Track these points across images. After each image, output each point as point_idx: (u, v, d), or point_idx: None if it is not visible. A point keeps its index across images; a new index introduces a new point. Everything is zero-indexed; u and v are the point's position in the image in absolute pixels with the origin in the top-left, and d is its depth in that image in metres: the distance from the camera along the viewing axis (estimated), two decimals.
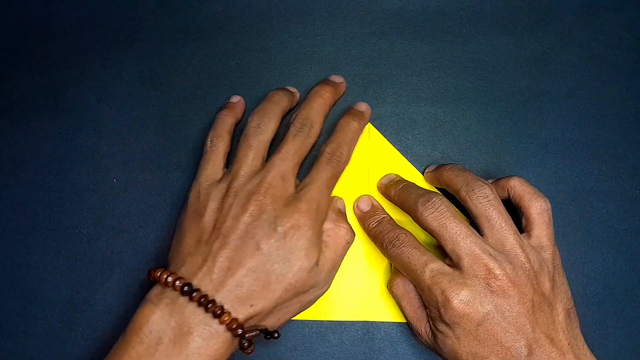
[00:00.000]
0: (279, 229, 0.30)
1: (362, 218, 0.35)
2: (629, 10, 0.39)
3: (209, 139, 0.34)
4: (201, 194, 0.32)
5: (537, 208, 0.32)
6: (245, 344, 0.29)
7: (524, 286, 0.29)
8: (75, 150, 0.38)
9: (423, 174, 0.37)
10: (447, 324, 0.30)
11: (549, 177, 0.37)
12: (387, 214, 0.35)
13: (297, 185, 0.32)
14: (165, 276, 0.29)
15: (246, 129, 0.33)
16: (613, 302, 0.35)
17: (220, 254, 0.29)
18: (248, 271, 0.29)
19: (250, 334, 0.29)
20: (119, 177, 0.37)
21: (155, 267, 0.30)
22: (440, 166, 0.35)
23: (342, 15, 0.39)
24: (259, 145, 0.33)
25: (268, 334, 0.30)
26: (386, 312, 0.35)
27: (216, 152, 0.34)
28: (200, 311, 0.28)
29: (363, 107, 0.37)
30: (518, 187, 0.32)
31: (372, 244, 0.35)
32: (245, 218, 0.30)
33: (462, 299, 0.29)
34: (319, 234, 0.31)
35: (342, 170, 0.34)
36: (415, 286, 0.33)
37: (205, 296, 0.28)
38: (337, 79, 0.37)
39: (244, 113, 0.37)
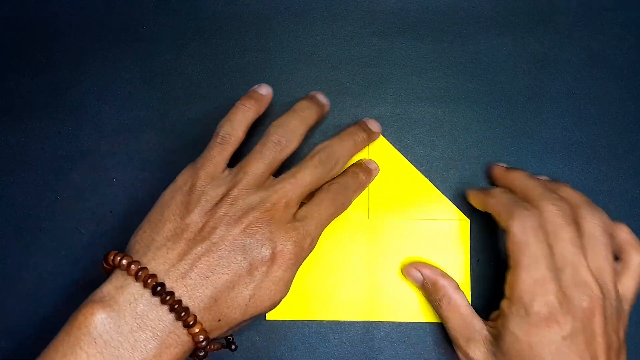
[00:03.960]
0: (269, 252, 0.28)
1: (483, 191, 0.34)
2: (629, 10, 0.39)
3: (220, 132, 0.31)
4: (196, 189, 0.29)
5: (639, 260, 0.31)
6: (202, 354, 0.28)
7: (609, 323, 0.28)
8: (75, 150, 0.38)
9: (491, 173, 0.36)
10: (526, 326, 0.28)
11: (549, 177, 0.37)
12: None
13: (297, 210, 0.31)
14: (135, 268, 0.26)
15: (265, 139, 0.31)
16: None
17: (201, 259, 0.27)
18: (227, 287, 0.27)
19: (212, 346, 0.28)
20: (118, 177, 0.37)
21: (116, 251, 0.27)
22: (530, 176, 0.33)
23: (342, 15, 0.39)
24: (274, 161, 0.31)
25: (227, 346, 0.30)
26: (386, 312, 0.35)
27: (223, 150, 0.31)
28: (169, 317, 0.26)
29: (373, 165, 0.36)
30: (626, 234, 0.31)
31: (372, 245, 0.35)
32: (238, 230, 0.28)
33: (559, 304, 0.28)
34: (297, 268, 0.30)
35: (341, 212, 0.33)
36: (464, 300, 0.32)
37: (179, 302, 0.26)
38: (376, 127, 0.36)
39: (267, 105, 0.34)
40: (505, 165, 0.36)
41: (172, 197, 0.30)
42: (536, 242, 0.29)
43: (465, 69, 0.38)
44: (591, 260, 0.29)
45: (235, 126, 0.32)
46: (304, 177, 0.30)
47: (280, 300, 0.30)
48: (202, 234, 0.28)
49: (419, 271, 0.34)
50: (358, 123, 0.36)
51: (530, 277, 0.28)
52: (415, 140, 0.37)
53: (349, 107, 0.38)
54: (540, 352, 0.27)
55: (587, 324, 0.28)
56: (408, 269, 0.34)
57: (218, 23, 0.39)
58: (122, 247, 0.36)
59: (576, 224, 0.30)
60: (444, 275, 0.33)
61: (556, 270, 0.29)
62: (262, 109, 0.34)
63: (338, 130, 0.37)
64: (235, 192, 0.29)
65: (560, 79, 0.38)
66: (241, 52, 0.39)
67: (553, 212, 0.30)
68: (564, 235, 0.29)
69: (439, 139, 0.37)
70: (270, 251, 0.28)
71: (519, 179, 0.33)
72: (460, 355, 0.31)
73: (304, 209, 0.31)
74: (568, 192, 0.32)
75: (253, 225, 0.28)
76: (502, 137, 0.37)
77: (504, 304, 0.30)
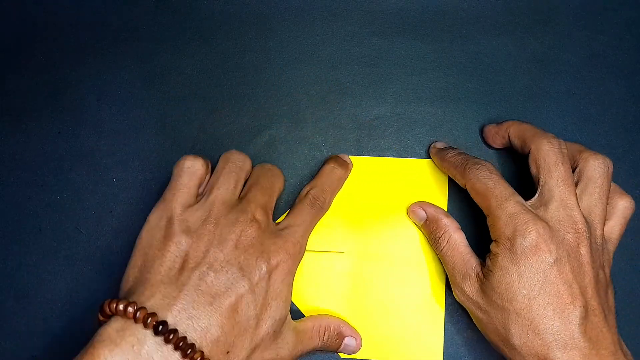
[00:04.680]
0: (265, 266, 0.28)
1: (439, 151, 0.35)
2: (629, 10, 0.39)
3: (184, 161, 0.30)
4: (174, 220, 0.29)
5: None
6: None
7: (595, 257, 0.29)
8: (75, 150, 0.38)
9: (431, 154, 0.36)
10: (514, 257, 0.28)
11: None
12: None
13: (275, 223, 0.32)
14: (132, 310, 0.24)
15: (225, 159, 0.32)
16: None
17: (201, 286, 0.26)
18: (232, 310, 0.26)
19: None
20: (118, 177, 0.37)
21: (110, 299, 0.26)
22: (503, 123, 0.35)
23: (342, 15, 0.39)
24: (240, 174, 0.31)
25: None
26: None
27: (192, 177, 0.30)
28: (175, 356, 0.24)
29: (347, 158, 0.36)
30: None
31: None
32: (230, 248, 0.28)
33: (543, 232, 0.28)
34: (292, 279, 0.30)
35: (323, 214, 0.34)
36: (464, 239, 0.32)
37: (184, 339, 0.24)
38: (347, 157, 0.37)
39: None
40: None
41: (152, 235, 0.29)
42: (496, 185, 0.30)
43: (465, 69, 0.38)
44: (583, 199, 0.30)
45: (199, 158, 0.31)
46: (264, 184, 0.32)
47: (285, 316, 0.29)
48: (195, 260, 0.27)
49: (424, 210, 0.34)
50: (332, 158, 0.36)
51: (504, 213, 0.29)
52: (415, 140, 0.37)
53: (349, 107, 0.38)
54: (528, 281, 0.28)
55: (572, 254, 0.28)
56: (413, 208, 0.35)
57: (218, 23, 0.39)
58: (121, 247, 0.36)
59: (574, 165, 0.31)
60: (447, 215, 0.34)
61: (541, 204, 0.29)
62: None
63: (337, 131, 0.37)
64: (215, 212, 0.29)
65: (560, 79, 0.38)
66: (241, 52, 0.39)
67: (545, 150, 0.30)
68: (554, 173, 0.30)
69: (439, 139, 0.37)
70: (266, 264, 0.28)
71: (513, 127, 0.34)
72: (456, 291, 0.32)
73: (287, 219, 0.32)
74: (512, 129, 0.34)
75: (243, 240, 0.28)
76: None
77: (492, 245, 0.30)
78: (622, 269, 0.36)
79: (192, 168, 0.31)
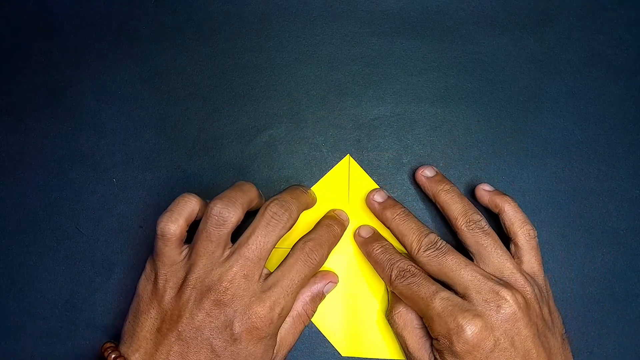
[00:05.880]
0: (235, 331, 0.29)
1: (365, 243, 0.34)
2: (629, 10, 0.39)
3: (158, 229, 0.30)
4: (159, 279, 0.30)
5: (527, 235, 0.32)
6: None
7: (529, 310, 0.29)
8: (75, 150, 0.38)
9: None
10: (457, 354, 0.29)
11: (549, 177, 0.37)
12: (389, 242, 0.34)
13: (263, 277, 0.30)
14: None
15: (207, 216, 0.30)
16: (613, 302, 0.35)
17: (173, 348, 0.29)
18: None
19: None
20: (118, 177, 0.37)
21: (110, 342, 0.30)
22: (435, 179, 0.35)
23: (342, 15, 0.39)
24: (220, 238, 0.30)
25: None
26: (384, 349, 0.35)
27: (166, 243, 0.30)
28: None
29: (344, 216, 0.35)
30: (511, 212, 0.33)
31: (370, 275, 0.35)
32: (201, 316, 0.29)
33: (475, 327, 0.28)
34: (275, 335, 0.30)
35: (316, 271, 0.32)
36: (417, 316, 0.32)
37: None
38: (344, 215, 0.35)
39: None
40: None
41: (144, 287, 0.31)
42: (420, 287, 0.30)
43: (465, 69, 0.38)
44: (487, 264, 0.31)
45: (174, 218, 0.30)
46: (257, 241, 0.30)
47: None
48: (171, 323, 0.29)
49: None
50: (330, 216, 0.35)
51: (434, 313, 0.30)
52: (415, 140, 0.37)
53: (349, 107, 0.38)
54: None
55: (509, 328, 0.29)
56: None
57: (218, 23, 0.39)
58: (121, 247, 0.36)
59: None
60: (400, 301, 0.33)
61: (463, 299, 0.30)
62: (203, 205, 0.32)
63: (337, 131, 0.37)
64: (193, 276, 0.29)
65: (560, 79, 0.38)
66: (241, 52, 0.39)
67: (469, 234, 0.32)
68: (448, 266, 0.30)
69: (439, 139, 0.37)
70: (237, 330, 0.29)
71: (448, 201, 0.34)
72: None
73: (275, 274, 0.30)
74: (442, 200, 0.34)
75: (215, 308, 0.29)
76: (502, 137, 0.37)
77: (434, 343, 0.30)
78: (622, 269, 0.36)
79: (165, 235, 0.30)
